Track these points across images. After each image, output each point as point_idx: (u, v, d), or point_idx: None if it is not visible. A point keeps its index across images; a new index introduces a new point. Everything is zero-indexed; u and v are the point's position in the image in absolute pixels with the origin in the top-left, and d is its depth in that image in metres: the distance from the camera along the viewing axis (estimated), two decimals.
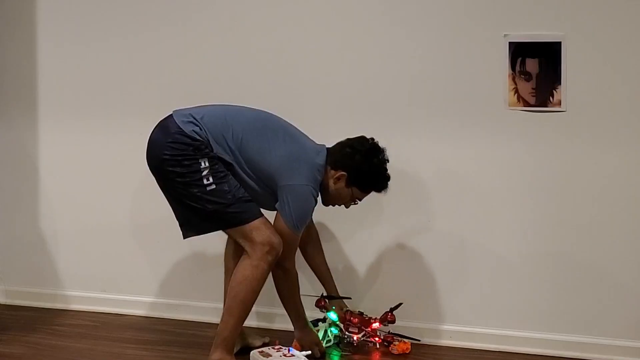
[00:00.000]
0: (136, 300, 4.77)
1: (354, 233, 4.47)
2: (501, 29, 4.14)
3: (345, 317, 4.20)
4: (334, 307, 4.21)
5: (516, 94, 4.15)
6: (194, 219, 3.77)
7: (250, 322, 4.07)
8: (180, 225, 3.84)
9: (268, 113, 3.97)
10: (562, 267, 4.18)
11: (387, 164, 3.95)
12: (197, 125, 3.72)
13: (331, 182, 3.90)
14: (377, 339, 4.17)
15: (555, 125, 4.12)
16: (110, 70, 4.71)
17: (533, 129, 4.15)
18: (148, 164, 3.83)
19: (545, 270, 4.20)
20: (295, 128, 3.97)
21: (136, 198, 4.73)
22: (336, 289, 4.30)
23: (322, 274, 4.30)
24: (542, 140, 4.15)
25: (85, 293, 4.85)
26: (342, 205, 4.03)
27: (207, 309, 4.54)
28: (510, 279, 4.25)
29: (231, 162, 3.75)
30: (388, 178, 3.96)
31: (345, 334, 4.18)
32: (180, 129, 3.70)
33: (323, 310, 4.22)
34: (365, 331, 4.16)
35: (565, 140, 4.12)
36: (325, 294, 4.26)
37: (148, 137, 3.82)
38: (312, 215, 3.97)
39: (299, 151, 3.86)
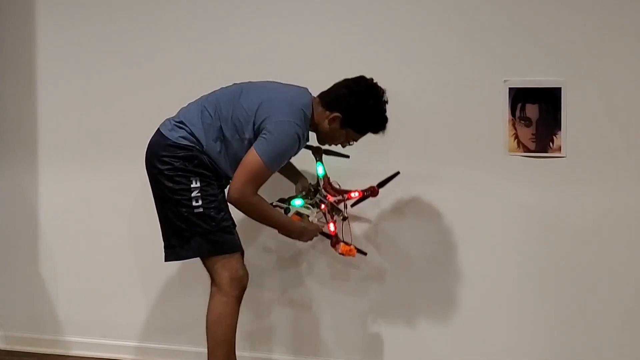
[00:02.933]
0: (137, 346, 4.74)
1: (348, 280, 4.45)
2: (501, 74, 4.16)
3: (329, 180, 4.05)
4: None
5: (516, 140, 4.15)
6: (176, 240, 3.76)
7: None
8: (164, 247, 3.82)
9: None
10: (562, 309, 4.18)
11: (387, 105, 3.81)
12: (182, 128, 3.74)
13: (325, 123, 3.78)
14: (332, 228, 3.99)
15: (555, 170, 4.13)
16: (110, 116, 4.71)
17: (533, 174, 4.16)
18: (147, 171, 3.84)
19: (544, 313, 4.20)
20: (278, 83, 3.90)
21: (136, 242, 4.72)
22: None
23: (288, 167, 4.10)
24: (541, 185, 4.15)
25: (86, 339, 4.82)
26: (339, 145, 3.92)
27: None
28: (509, 321, 4.26)
29: (227, 138, 3.71)
30: (385, 120, 3.81)
31: (320, 191, 4.00)
32: (169, 138, 3.72)
33: (316, 157, 4.04)
34: (342, 196, 4.01)
35: (565, 186, 4.13)
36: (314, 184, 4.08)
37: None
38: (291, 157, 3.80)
39: (278, 95, 3.75)
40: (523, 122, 4.14)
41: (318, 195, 3.99)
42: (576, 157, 4.09)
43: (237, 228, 3.89)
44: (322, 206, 3.99)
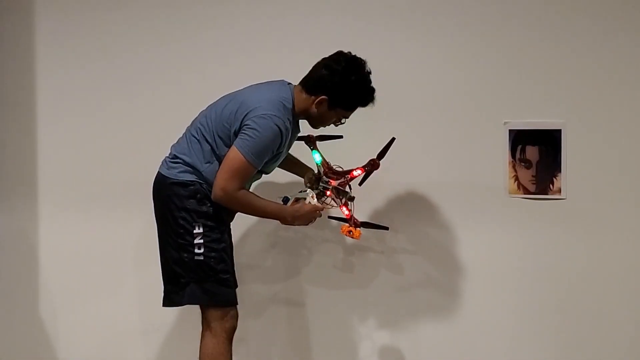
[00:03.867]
0: None
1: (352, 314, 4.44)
2: (501, 116, 4.16)
3: (329, 165, 3.97)
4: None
5: (516, 182, 4.15)
6: (172, 286, 3.74)
7: None
8: (163, 292, 3.79)
9: None
10: (561, 351, 4.17)
11: (370, 75, 3.71)
12: (177, 162, 3.73)
13: (313, 108, 3.70)
14: (346, 211, 3.91)
15: (556, 212, 4.12)
16: (112, 159, 4.70)
17: (533, 216, 4.15)
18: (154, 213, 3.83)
19: (544, 355, 4.19)
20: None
21: (137, 286, 4.69)
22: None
23: (291, 161, 4.08)
24: (542, 227, 4.15)
25: None
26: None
27: None
28: None
29: (220, 155, 3.66)
30: (372, 91, 3.72)
31: (322, 179, 3.94)
32: (169, 177, 3.71)
33: (310, 146, 3.98)
34: (345, 178, 3.92)
35: (565, 228, 4.12)
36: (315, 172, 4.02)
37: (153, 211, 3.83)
38: (278, 150, 3.70)
39: (255, 93, 3.72)
40: (523, 164, 4.14)
41: (321, 183, 3.93)
42: (576, 199, 4.09)
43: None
44: (328, 192, 3.93)
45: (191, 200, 3.68)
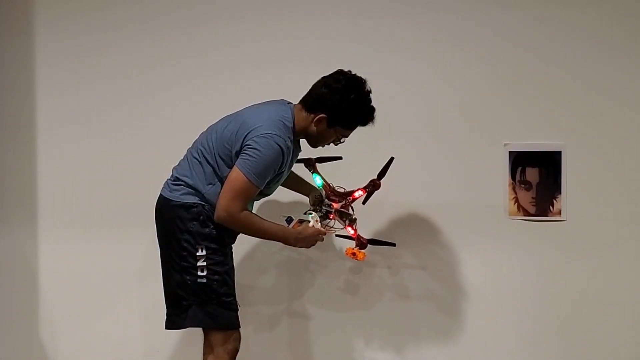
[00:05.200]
0: None
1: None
2: (501, 138, 4.17)
3: (330, 187, 3.95)
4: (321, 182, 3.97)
5: (516, 203, 4.15)
6: (174, 309, 3.74)
7: None
8: (166, 314, 3.79)
9: None
10: None
11: (371, 95, 3.71)
12: (179, 185, 3.74)
13: (312, 126, 3.71)
14: (352, 231, 3.92)
15: (556, 234, 4.13)
16: (111, 182, 4.72)
17: (533, 238, 4.16)
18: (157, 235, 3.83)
19: None
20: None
21: (139, 308, 4.69)
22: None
23: (295, 181, 4.09)
24: (542, 249, 4.15)
25: None
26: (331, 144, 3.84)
27: None
28: None
29: (222, 176, 3.67)
30: (372, 110, 3.71)
31: (324, 202, 3.92)
32: (171, 200, 3.72)
33: (310, 170, 3.96)
34: (346, 200, 3.91)
35: (565, 250, 4.12)
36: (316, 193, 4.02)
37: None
38: (280, 169, 3.69)
39: (255, 113, 3.72)
40: (523, 185, 4.15)
41: (324, 206, 3.92)
42: (576, 220, 4.09)
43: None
44: (331, 215, 3.93)
45: (194, 223, 3.67)
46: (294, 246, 3.84)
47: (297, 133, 3.75)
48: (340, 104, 3.66)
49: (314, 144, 3.84)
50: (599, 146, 4.07)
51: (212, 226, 3.68)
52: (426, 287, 4.30)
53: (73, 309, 4.81)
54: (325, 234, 3.87)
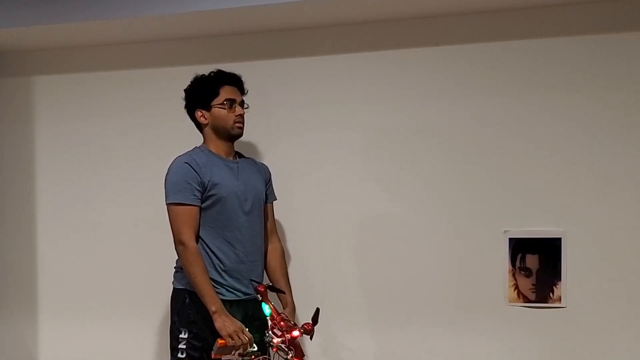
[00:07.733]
0: None
1: None
2: (501, 224, 4.18)
3: (278, 316, 3.79)
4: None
5: (516, 290, 4.16)
6: None
7: None
8: None
9: None
10: None
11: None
12: (176, 269, 3.86)
13: (208, 127, 3.92)
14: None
15: (555, 321, 4.12)
16: (110, 269, 4.72)
17: (533, 325, 4.15)
18: None
19: None
20: None
21: None
22: (292, 301, 4.08)
23: (279, 283, 4.08)
24: (541, 336, 4.14)
25: None
26: (240, 125, 3.93)
27: None
28: None
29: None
30: (214, 72, 3.96)
31: (267, 333, 3.74)
32: (173, 285, 3.88)
33: (258, 297, 3.79)
34: (285, 338, 3.74)
35: (565, 337, 4.12)
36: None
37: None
38: (207, 180, 3.78)
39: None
40: (523, 272, 4.16)
41: (265, 338, 3.76)
42: (576, 307, 4.09)
43: None
44: (273, 348, 3.79)
45: (180, 305, 3.80)
46: (216, 320, 3.69)
47: (213, 143, 3.90)
48: (189, 91, 3.94)
49: (226, 133, 3.91)
50: (599, 233, 4.08)
51: (195, 311, 3.75)
52: None
53: None
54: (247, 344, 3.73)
